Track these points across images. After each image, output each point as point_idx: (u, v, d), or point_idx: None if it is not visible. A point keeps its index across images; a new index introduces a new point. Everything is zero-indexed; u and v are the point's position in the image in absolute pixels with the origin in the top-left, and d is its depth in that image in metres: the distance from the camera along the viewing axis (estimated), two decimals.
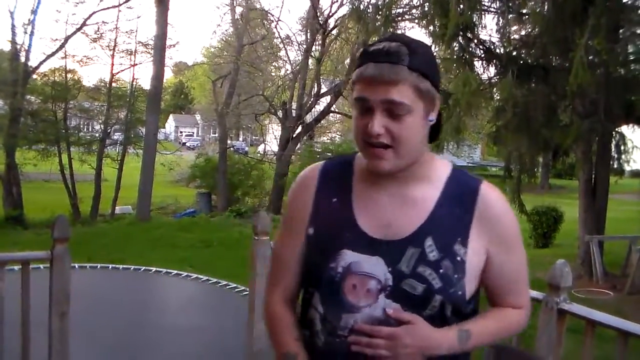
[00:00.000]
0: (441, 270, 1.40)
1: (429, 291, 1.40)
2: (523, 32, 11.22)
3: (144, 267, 8.89)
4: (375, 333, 1.40)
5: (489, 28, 19.66)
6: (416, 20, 12.94)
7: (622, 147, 10.21)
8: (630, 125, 10.64)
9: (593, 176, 10.74)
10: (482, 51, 10.40)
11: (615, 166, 10.69)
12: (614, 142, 10.35)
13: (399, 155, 1.39)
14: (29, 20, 20.97)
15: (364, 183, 1.51)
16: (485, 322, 1.53)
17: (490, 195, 1.49)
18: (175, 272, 8.72)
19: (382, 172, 1.42)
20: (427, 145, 1.49)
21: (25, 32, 20.98)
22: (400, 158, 1.40)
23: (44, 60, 22.08)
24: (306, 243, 1.53)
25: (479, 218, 1.45)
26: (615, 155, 10.43)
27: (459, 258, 1.42)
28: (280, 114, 21.90)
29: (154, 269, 8.84)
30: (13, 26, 20.81)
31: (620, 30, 9.21)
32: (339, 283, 1.44)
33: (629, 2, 9.56)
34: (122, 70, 24.13)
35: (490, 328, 1.53)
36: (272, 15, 23.61)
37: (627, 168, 11.39)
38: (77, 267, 7.28)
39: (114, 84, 24.26)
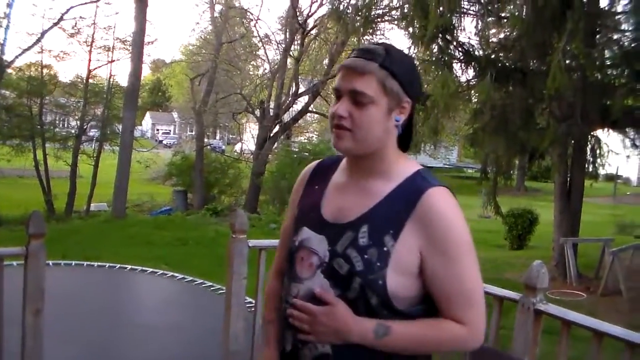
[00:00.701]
0: (366, 256, 1.53)
1: (350, 272, 1.53)
2: (502, 35, 11.31)
3: (119, 265, 8.82)
4: (302, 309, 1.58)
5: (468, 30, 19.66)
6: (396, 22, 13.03)
7: (598, 151, 10.33)
8: (606, 129, 10.77)
9: (568, 179, 10.85)
10: (461, 53, 10.45)
11: (590, 170, 10.81)
12: (589, 146, 10.47)
13: (355, 139, 1.56)
14: (4, 13, 20.68)
15: (340, 174, 1.72)
16: (413, 325, 1.55)
17: (434, 199, 1.54)
18: (151, 270, 8.65)
19: (340, 150, 1.61)
20: (393, 143, 1.63)
21: (1, 26, 20.72)
22: (356, 142, 1.56)
23: (20, 55, 21.80)
24: (293, 223, 1.76)
25: (417, 217, 1.53)
26: (591, 159, 10.55)
27: (385, 248, 1.52)
28: (257, 113, 21.85)
29: (129, 266, 8.76)
30: None
31: (598, 36, 9.31)
32: (294, 254, 1.67)
33: (607, 8, 9.66)
34: (100, 67, 23.94)
35: (417, 334, 1.55)
36: (252, 14, 23.58)
37: (601, 172, 11.53)
38: (51, 264, 7.20)
39: (90, 80, 24.03)
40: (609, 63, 9.43)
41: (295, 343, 1.61)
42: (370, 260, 1.51)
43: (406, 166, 1.63)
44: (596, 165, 10.54)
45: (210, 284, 7.80)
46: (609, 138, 10.83)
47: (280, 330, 1.70)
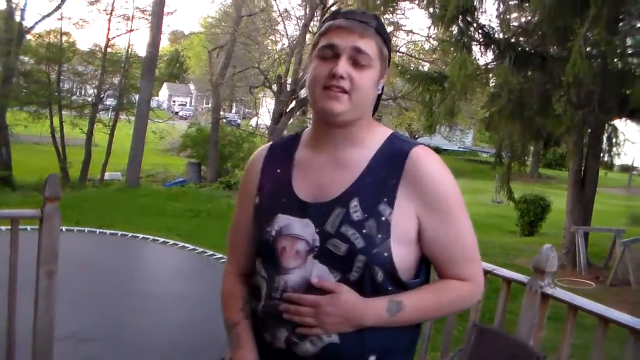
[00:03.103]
0: (364, 230, 1.42)
1: (352, 251, 1.41)
2: (523, 19, 11.19)
3: (131, 234, 8.90)
4: (300, 301, 1.44)
5: (489, 13, 19.66)
6: (416, 1, 12.90)
7: (614, 140, 10.25)
8: (624, 118, 10.68)
9: (583, 167, 10.79)
10: (480, 36, 10.36)
11: (606, 159, 10.74)
12: (605, 135, 10.39)
13: (352, 103, 1.45)
14: None
15: (305, 151, 1.58)
16: (422, 294, 1.50)
17: (421, 158, 1.48)
18: (162, 239, 8.72)
19: (334, 112, 1.45)
20: (371, 111, 1.56)
21: None
22: (353, 106, 1.46)
23: (40, 21, 21.91)
24: (253, 214, 1.60)
25: (407, 180, 1.45)
26: (607, 148, 10.47)
27: (383, 218, 1.43)
28: (274, 87, 21.79)
29: (141, 235, 8.84)
30: None
31: (621, 23, 9.19)
32: (272, 245, 1.50)
33: None
34: (118, 36, 24.09)
35: (428, 301, 1.50)
36: None
37: (617, 162, 11.45)
38: (64, 229, 7.28)
39: (109, 49, 24.11)
40: (630, 51, 9.32)
41: (291, 339, 1.46)
42: (370, 234, 1.41)
43: (379, 132, 1.55)
44: (612, 154, 10.46)
45: (221, 255, 7.86)
46: (626, 128, 10.75)
47: (264, 331, 1.54)
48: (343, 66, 1.43)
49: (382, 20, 1.56)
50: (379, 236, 1.42)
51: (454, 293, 1.53)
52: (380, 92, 1.55)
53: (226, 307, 1.66)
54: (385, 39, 1.51)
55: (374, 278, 1.43)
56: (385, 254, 1.42)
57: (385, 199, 1.44)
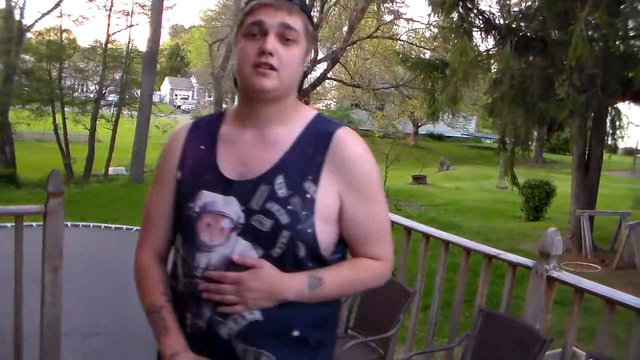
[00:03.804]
0: (289, 207, 1.43)
1: (276, 227, 1.42)
2: (523, 4, 11.15)
3: (136, 227, 8.90)
4: (222, 279, 1.43)
5: None
6: None
7: (617, 123, 10.22)
8: (627, 101, 10.64)
9: (587, 151, 10.77)
10: (481, 22, 10.33)
11: (610, 142, 10.72)
12: (609, 118, 10.36)
13: (281, 79, 1.45)
14: None
15: (231, 128, 1.56)
16: (341, 271, 1.52)
17: (345, 139, 1.50)
18: None
19: (264, 89, 1.45)
20: (295, 91, 1.55)
21: None
22: (282, 83, 1.46)
23: (39, 19, 21.96)
24: (176, 189, 1.57)
25: (331, 160, 1.47)
26: (610, 131, 10.44)
27: (308, 195, 1.44)
28: None
29: None
30: None
31: (622, 5, 9.14)
32: (195, 222, 1.48)
33: None
34: (119, 31, 24.16)
35: (346, 277, 1.53)
36: None
37: (620, 145, 11.43)
38: (69, 225, 7.29)
39: (109, 45, 24.11)
40: (632, 34, 9.27)
41: (213, 318, 1.45)
42: (294, 211, 1.42)
43: (304, 111, 1.57)
44: (615, 137, 10.44)
45: None
46: (629, 110, 10.73)
47: (184, 312, 1.51)
48: (271, 42, 1.43)
49: None
50: (304, 213, 1.43)
51: (370, 271, 1.57)
52: (305, 69, 1.54)
53: (145, 291, 1.60)
54: (309, 16, 1.52)
55: (296, 254, 1.44)
56: (309, 230, 1.44)
57: (310, 177, 1.46)
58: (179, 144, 1.60)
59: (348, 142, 1.50)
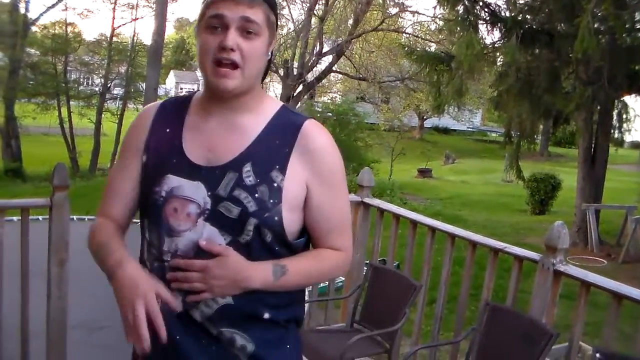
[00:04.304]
0: (257, 195, 1.45)
1: (244, 214, 1.44)
2: None
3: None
4: (188, 267, 1.44)
5: None
6: None
7: (624, 116, 10.20)
8: (634, 94, 10.60)
9: (593, 145, 10.73)
10: (487, 14, 10.29)
11: (616, 135, 10.69)
12: (615, 111, 10.33)
13: (244, 75, 1.45)
14: None
15: (197, 114, 1.56)
16: (303, 260, 1.55)
17: (313, 131, 1.53)
18: None
19: (226, 90, 1.46)
20: (260, 81, 1.56)
21: None
22: (245, 79, 1.46)
23: (44, 12, 22.09)
24: (141, 172, 1.57)
25: (299, 150, 1.49)
26: (617, 124, 10.41)
27: (275, 184, 1.46)
28: (281, 72, 21.74)
29: None
30: None
31: None
32: (161, 207, 1.48)
33: None
34: (124, 24, 24.08)
35: (308, 266, 1.56)
36: None
37: (627, 138, 11.40)
38: (75, 219, 7.30)
39: (114, 38, 24.10)
40: (639, 26, 9.22)
41: (185, 303, 1.46)
42: (262, 199, 1.45)
43: (270, 101, 1.58)
44: (622, 131, 10.41)
45: None
46: (636, 103, 10.69)
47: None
48: (233, 38, 1.42)
49: None
50: (271, 201, 1.46)
51: (331, 261, 1.60)
52: (269, 57, 1.54)
53: (95, 233, 1.57)
54: (271, 4, 1.50)
55: (264, 239, 1.47)
56: (276, 218, 1.46)
57: (278, 166, 1.48)
58: (145, 125, 1.59)
59: (315, 134, 1.53)
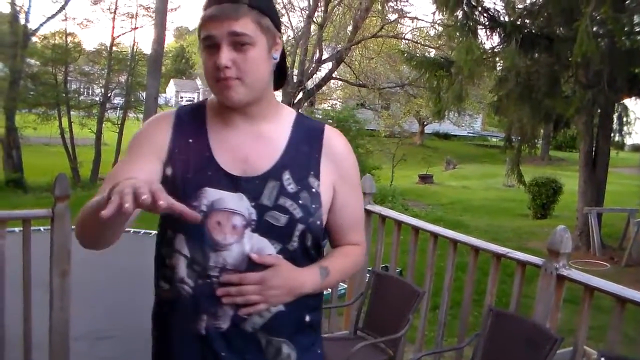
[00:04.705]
0: (300, 201, 1.48)
1: (291, 221, 1.47)
2: (528, 1, 11.12)
3: (143, 230, 8.91)
4: (243, 281, 1.43)
5: None
6: None
7: (625, 119, 10.20)
8: (634, 97, 10.60)
9: (594, 148, 10.73)
10: (486, 19, 10.31)
11: (617, 139, 10.69)
12: (616, 114, 10.33)
13: (246, 85, 1.45)
14: None
15: (218, 123, 1.55)
16: (337, 259, 1.63)
17: (334, 135, 1.61)
18: None
19: (233, 102, 1.46)
20: (272, 84, 1.57)
21: None
22: (248, 88, 1.45)
23: (44, 23, 21.95)
24: (165, 185, 1.37)
25: (326, 155, 1.56)
26: (617, 128, 10.41)
27: (314, 190, 1.51)
28: None
29: (153, 232, 8.85)
30: None
31: (627, 1, 9.11)
32: (204, 221, 1.43)
33: None
34: (123, 34, 24.10)
35: (342, 264, 1.64)
36: None
37: (628, 141, 11.39)
38: None
39: (114, 48, 24.11)
40: (638, 29, 9.23)
41: (237, 317, 1.45)
42: (305, 205, 1.48)
43: (286, 109, 1.63)
44: (623, 134, 10.41)
45: None
46: (636, 106, 10.69)
47: (196, 314, 1.46)
48: (225, 56, 1.42)
49: None
50: (313, 206, 1.50)
51: (356, 256, 1.69)
52: (277, 60, 1.54)
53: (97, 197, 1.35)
54: (261, 8, 1.47)
55: (306, 244, 1.51)
56: (318, 222, 1.52)
57: (312, 172, 1.53)
58: (164, 132, 1.53)
59: (337, 138, 1.61)
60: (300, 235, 1.48)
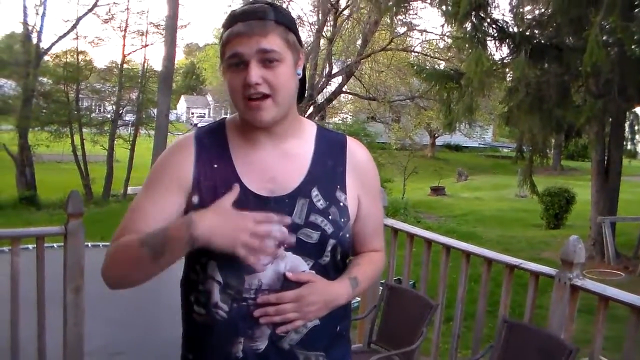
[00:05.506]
0: (330, 217, 1.49)
1: (323, 237, 1.48)
2: (537, 12, 11.13)
3: None
4: (281, 300, 1.43)
5: (502, 7, 19.56)
6: (428, 0, 12.88)
7: (636, 128, 10.16)
8: None
9: (606, 157, 10.68)
10: (495, 30, 10.32)
11: (629, 147, 10.65)
12: (627, 123, 10.29)
13: (277, 103, 1.44)
14: (40, 1, 21.02)
15: (241, 144, 1.52)
16: (362, 267, 1.62)
17: (356, 147, 1.62)
18: None
19: (264, 122, 1.45)
20: (295, 102, 1.55)
21: (37, 13, 21.10)
22: (279, 106, 1.45)
23: (56, 42, 22.20)
24: (186, 209, 1.46)
25: (350, 167, 1.57)
26: (629, 136, 10.38)
27: (342, 204, 1.52)
28: None
29: None
30: (25, 7, 20.90)
31: (636, 9, 9.10)
32: None
33: None
34: (134, 51, 24.24)
35: (368, 272, 1.64)
36: None
37: None
38: (90, 245, 7.32)
39: (125, 65, 24.31)
40: None
41: (274, 335, 1.45)
42: (335, 220, 1.49)
43: (308, 124, 1.62)
44: (635, 142, 10.39)
45: None
46: None
47: (233, 338, 1.46)
48: (255, 73, 1.40)
49: (277, 5, 1.49)
50: (342, 220, 1.51)
51: (377, 264, 1.70)
52: (300, 76, 1.53)
53: (152, 232, 1.39)
54: (287, 24, 1.46)
55: (336, 258, 1.53)
56: (348, 235, 1.54)
57: (339, 186, 1.54)
58: (187, 158, 1.50)
59: (358, 149, 1.62)
60: (332, 249, 1.50)
